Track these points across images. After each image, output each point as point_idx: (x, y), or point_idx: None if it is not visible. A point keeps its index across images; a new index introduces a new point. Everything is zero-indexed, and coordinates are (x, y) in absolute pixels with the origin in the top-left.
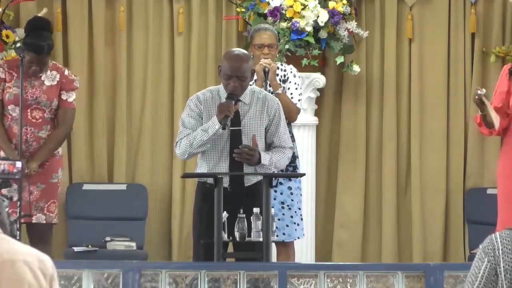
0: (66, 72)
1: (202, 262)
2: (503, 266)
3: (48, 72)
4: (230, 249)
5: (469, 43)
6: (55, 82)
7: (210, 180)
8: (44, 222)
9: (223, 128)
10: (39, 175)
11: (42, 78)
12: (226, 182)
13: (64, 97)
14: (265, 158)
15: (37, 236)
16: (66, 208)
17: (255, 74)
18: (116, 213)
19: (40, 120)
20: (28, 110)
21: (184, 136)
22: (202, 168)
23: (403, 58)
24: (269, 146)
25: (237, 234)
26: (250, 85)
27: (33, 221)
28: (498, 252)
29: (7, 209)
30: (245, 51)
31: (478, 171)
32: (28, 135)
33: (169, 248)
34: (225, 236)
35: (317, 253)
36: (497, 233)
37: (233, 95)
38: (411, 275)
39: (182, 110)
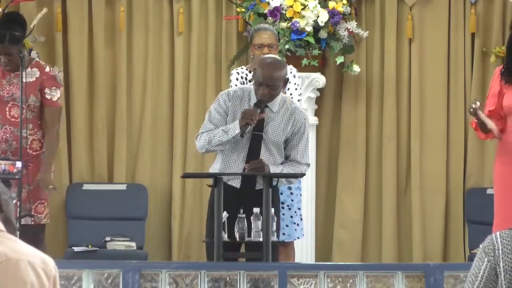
0: (47, 69)
1: (202, 262)
2: (503, 266)
3: (29, 69)
4: (242, 249)
5: (469, 43)
6: (34, 79)
7: (224, 179)
8: (32, 223)
9: (241, 135)
10: (24, 176)
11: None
12: (238, 183)
13: (48, 96)
14: (275, 169)
15: (29, 238)
16: (66, 208)
17: (287, 83)
18: (116, 213)
19: (19, 119)
20: (6, 109)
21: (206, 131)
22: (217, 164)
23: (403, 58)
24: (287, 158)
25: (237, 234)
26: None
27: (22, 223)
28: (498, 252)
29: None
30: (279, 59)
31: (478, 171)
32: (7, 135)
33: (169, 248)
34: (225, 236)
35: (317, 253)
36: (497, 233)
37: (261, 103)
38: (411, 275)
39: (182, 110)
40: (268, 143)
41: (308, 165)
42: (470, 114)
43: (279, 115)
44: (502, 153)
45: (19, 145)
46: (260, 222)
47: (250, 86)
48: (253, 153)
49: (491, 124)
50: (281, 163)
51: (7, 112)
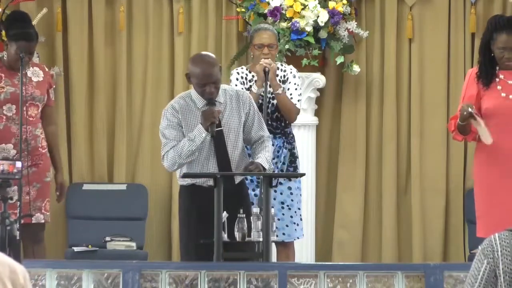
0: (47, 69)
1: (202, 262)
2: (502, 268)
3: (31, 68)
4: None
5: (469, 43)
6: (41, 78)
7: (199, 182)
8: (43, 221)
9: (212, 136)
10: (34, 174)
11: (29, 75)
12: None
13: (51, 96)
14: (264, 162)
15: (32, 236)
16: (66, 208)
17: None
18: (116, 213)
19: (35, 118)
20: (24, 108)
21: (170, 148)
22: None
23: (403, 58)
24: (249, 141)
25: (237, 234)
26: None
27: (33, 221)
28: (498, 254)
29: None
30: (210, 54)
31: None
32: (27, 134)
33: (169, 248)
34: (225, 236)
35: (317, 253)
36: (496, 235)
37: (212, 100)
38: (411, 275)
39: None
40: (230, 135)
41: (269, 136)
42: (464, 116)
43: (228, 104)
44: (481, 154)
45: (36, 144)
46: (260, 222)
47: (187, 92)
48: (220, 149)
49: (482, 125)
50: (254, 151)
51: (25, 112)
